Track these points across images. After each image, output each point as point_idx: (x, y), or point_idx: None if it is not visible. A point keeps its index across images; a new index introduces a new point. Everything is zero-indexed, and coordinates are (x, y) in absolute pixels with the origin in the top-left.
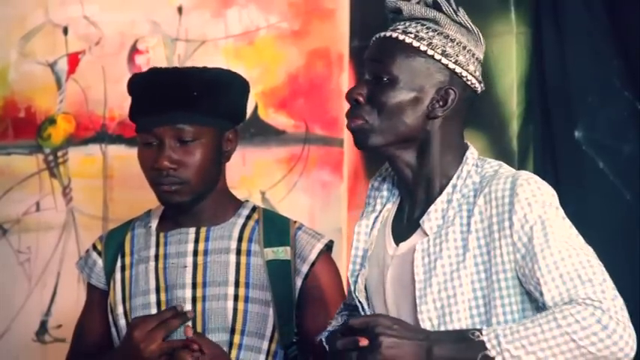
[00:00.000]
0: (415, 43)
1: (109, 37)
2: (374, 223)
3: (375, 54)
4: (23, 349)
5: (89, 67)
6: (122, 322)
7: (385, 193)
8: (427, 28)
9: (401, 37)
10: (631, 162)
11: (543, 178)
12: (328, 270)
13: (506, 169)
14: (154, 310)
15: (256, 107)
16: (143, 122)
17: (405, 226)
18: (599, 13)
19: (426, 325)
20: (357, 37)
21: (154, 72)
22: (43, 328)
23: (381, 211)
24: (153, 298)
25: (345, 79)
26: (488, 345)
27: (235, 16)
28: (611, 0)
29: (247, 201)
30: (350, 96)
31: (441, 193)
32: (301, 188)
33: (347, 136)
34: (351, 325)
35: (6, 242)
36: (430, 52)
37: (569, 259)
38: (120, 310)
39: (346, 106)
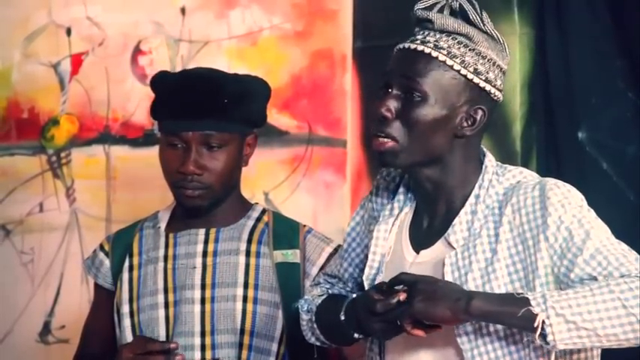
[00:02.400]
0: (449, 62)
1: (112, 37)
2: (391, 227)
3: (406, 68)
4: (26, 350)
5: (92, 68)
6: (127, 321)
7: (402, 197)
8: (459, 43)
9: (434, 53)
10: (634, 163)
11: None
12: None
13: (528, 176)
14: (161, 311)
15: None
16: (171, 124)
17: (423, 233)
18: (602, 14)
19: (463, 339)
20: (361, 37)
21: (186, 76)
22: (46, 329)
23: (398, 216)
24: (161, 298)
25: (348, 80)
26: (533, 302)
27: (238, 16)
28: (615, 1)
29: (257, 204)
30: (378, 111)
31: (463, 203)
32: (304, 189)
33: (350, 137)
34: (400, 280)
35: (9, 243)
36: (463, 72)
37: (612, 246)
38: (125, 309)
39: (349, 107)
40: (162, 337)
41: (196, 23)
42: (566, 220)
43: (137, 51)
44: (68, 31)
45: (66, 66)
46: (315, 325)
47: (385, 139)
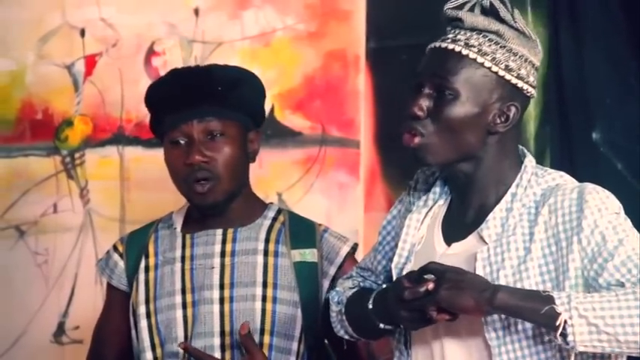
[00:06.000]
0: (480, 59)
1: (126, 39)
2: (424, 218)
3: (437, 67)
4: (41, 350)
5: (106, 69)
6: (143, 322)
7: (438, 189)
8: (489, 40)
9: (465, 51)
10: None
11: None
12: None
13: (568, 180)
14: (179, 311)
15: (273, 109)
16: (170, 120)
17: (456, 226)
18: (616, 14)
19: (491, 335)
20: (374, 38)
21: (176, 72)
22: (60, 329)
23: (432, 207)
24: (179, 299)
25: (361, 81)
26: (557, 301)
27: (252, 17)
28: (628, 0)
29: (272, 203)
30: (410, 110)
31: (497, 200)
32: (318, 190)
33: (363, 138)
34: (429, 269)
35: (23, 244)
36: (494, 69)
37: None
38: (142, 310)
39: (363, 107)
40: (181, 337)
41: (210, 24)
42: (601, 224)
43: (151, 52)
44: (82, 32)
45: (80, 67)
46: (344, 317)
47: (413, 135)
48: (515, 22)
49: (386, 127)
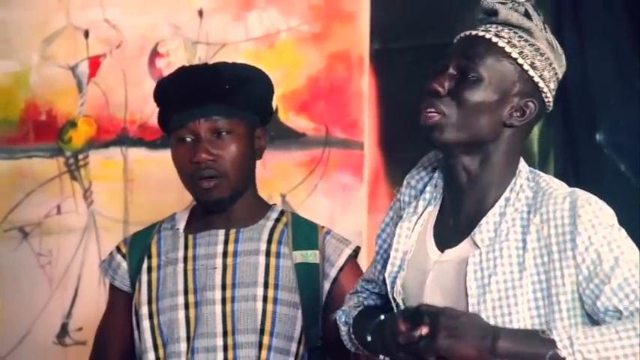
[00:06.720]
0: (508, 49)
1: (130, 40)
2: (414, 225)
3: (465, 50)
4: (44, 351)
5: (110, 71)
6: (145, 323)
7: (427, 195)
8: (519, 36)
9: (494, 39)
10: None
11: (565, 181)
12: (355, 275)
13: (557, 185)
14: (181, 312)
15: (277, 110)
16: (177, 119)
17: (449, 232)
18: (619, 15)
19: None
20: (378, 39)
21: (184, 70)
22: (63, 330)
23: (421, 214)
24: (181, 299)
25: (365, 82)
26: (559, 344)
27: (256, 19)
28: (632, 1)
29: (275, 205)
30: (431, 86)
31: (492, 204)
32: (322, 191)
33: (367, 139)
34: (420, 310)
35: (27, 245)
36: (520, 61)
37: None
38: (144, 310)
39: (367, 109)
40: (183, 338)
41: (214, 25)
42: (596, 241)
43: (155, 53)
44: (86, 34)
45: (84, 68)
46: (352, 337)
47: (433, 114)
48: (547, 31)
49: (390, 128)
